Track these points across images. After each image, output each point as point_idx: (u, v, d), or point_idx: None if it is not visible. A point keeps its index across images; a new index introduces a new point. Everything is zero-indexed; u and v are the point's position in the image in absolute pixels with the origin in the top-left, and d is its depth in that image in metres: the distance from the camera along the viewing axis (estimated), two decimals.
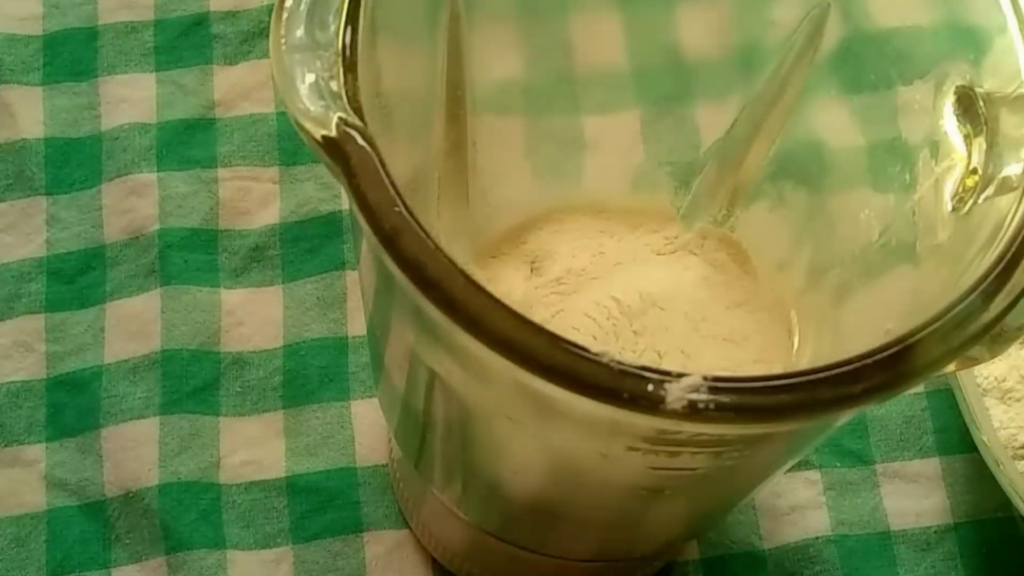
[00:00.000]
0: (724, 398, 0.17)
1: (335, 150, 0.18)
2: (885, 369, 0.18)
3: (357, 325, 0.38)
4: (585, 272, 0.29)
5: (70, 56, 0.41)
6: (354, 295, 0.38)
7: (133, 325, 0.38)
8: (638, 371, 0.17)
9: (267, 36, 0.24)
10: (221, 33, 0.41)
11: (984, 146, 0.21)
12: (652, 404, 0.17)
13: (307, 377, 0.37)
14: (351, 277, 0.39)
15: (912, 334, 0.18)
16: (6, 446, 0.36)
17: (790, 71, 0.26)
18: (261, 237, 0.39)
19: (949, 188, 0.22)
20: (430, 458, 0.27)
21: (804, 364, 0.27)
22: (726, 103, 0.28)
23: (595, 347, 0.17)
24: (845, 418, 0.21)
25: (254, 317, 0.38)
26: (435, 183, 0.27)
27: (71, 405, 0.37)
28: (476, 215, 0.29)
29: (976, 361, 0.20)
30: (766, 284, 0.29)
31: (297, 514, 0.36)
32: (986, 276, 0.19)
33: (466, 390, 0.22)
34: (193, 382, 0.37)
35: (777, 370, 0.27)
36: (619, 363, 0.17)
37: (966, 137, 0.22)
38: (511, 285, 0.29)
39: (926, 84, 0.23)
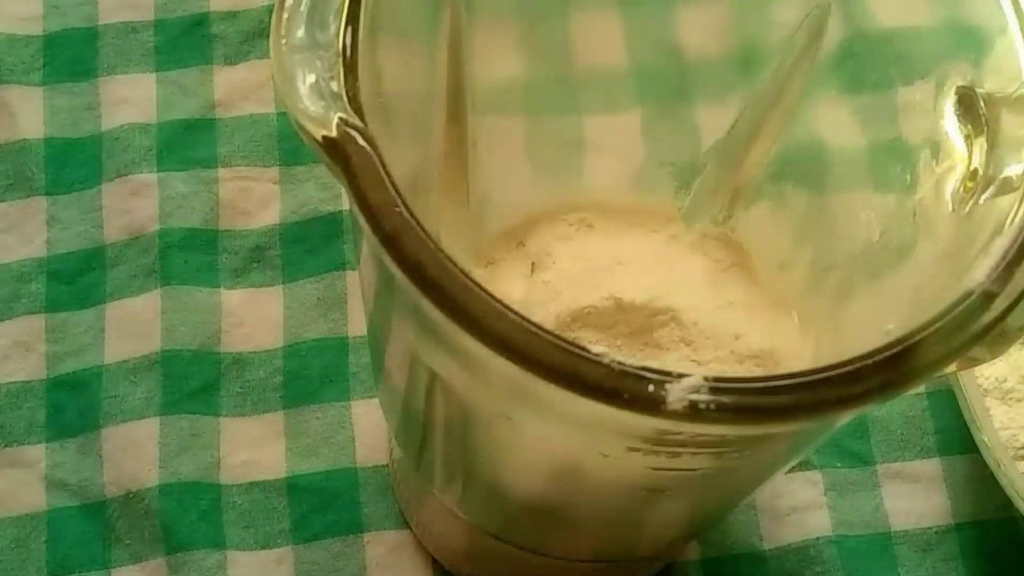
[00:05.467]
0: (725, 398, 0.17)
1: (336, 151, 0.18)
2: (886, 370, 0.18)
3: (357, 325, 0.38)
4: (585, 272, 0.29)
5: (70, 56, 0.41)
6: (355, 295, 0.38)
7: (133, 325, 0.38)
8: (639, 371, 0.17)
9: (267, 36, 0.24)
10: (221, 33, 0.41)
11: (985, 146, 0.21)
12: (653, 405, 0.17)
13: (307, 377, 0.37)
14: (351, 277, 0.39)
15: (913, 335, 0.18)
16: (6, 446, 0.36)
17: (791, 71, 0.26)
18: (261, 237, 0.39)
19: (950, 188, 0.22)
20: (430, 459, 0.27)
21: (805, 364, 0.27)
22: (727, 103, 0.28)
23: (595, 347, 0.17)
24: (846, 419, 0.21)
25: (254, 317, 0.38)
26: (436, 183, 0.27)
27: (71, 405, 0.37)
28: (476, 215, 0.29)
29: (977, 362, 0.20)
30: (767, 284, 0.29)
31: (297, 514, 0.36)
32: (987, 277, 0.19)
33: (466, 391, 0.21)
34: (193, 382, 0.37)
35: (778, 370, 0.27)
36: (619, 363, 0.17)
37: (967, 137, 0.22)
38: (511, 285, 0.29)
39: (927, 84, 0.23)
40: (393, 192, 0.18)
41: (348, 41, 0.19)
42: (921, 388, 0.37)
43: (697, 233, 0.30)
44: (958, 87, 0.22)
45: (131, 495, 0.36)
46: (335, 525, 0.36)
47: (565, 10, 0.28)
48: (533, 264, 0.29)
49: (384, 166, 0.18)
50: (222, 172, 0.40)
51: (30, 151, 0.40)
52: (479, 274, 0.29)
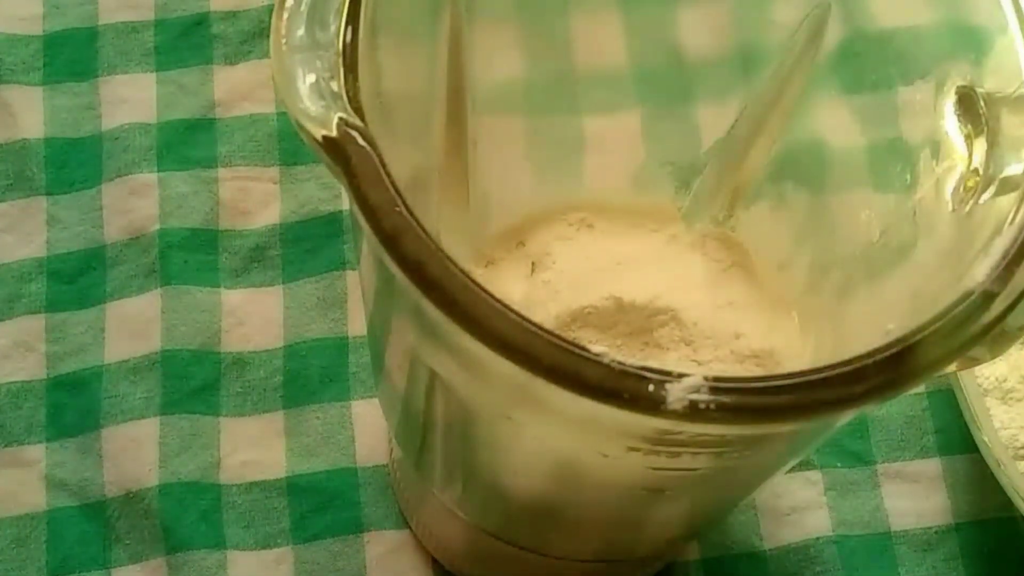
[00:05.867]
0: (725, 398, 0.17)
1: (336, 150, 0.18)
2: (886, 369, 0.18)
3: (357, 325, 0.38)
4: (585, 272, 0.29)
5: (70, 56, 0.41)
6: (355, 295, 0.38)
7: (133, 325, 0.38)
8: (639, 371, 0.17)
9: (267, 36, 0.24)
10: (221, 33, 0.41)
11: (985, 146, 0.21)
12: (653, 404, 0.17)
13: (307, 377, 0.37)
14: (351, 277, 0.39)
15: (913, 334, 0.18)
16: (6, 446, 0.36)
17: (791, 71, 0.26)
18: (261, 237, 0.39)
19: (950, 188, 0.22)
20: (430, 458, 0.27)
21: (805, 364, 0.27)
22: (727, 103, 0.28)
23: (595, 347, 0.17)
24: (846, 418, 0.21)
25: (254, 317, 0.38)
26: (436, 183, 0.27)
27: (71, 405, 0.37)
28: (476, 215, 0.29)
29: (977, 361, 0.20)
30: (767, 284, 0.29)
31: (297, 514, 0.36)
32: (987, 276, 0.19)
33: (466, 390, 0.21)
34: (193, 382, 0.37)
35: (778, 370, 0.27)
36: (620, 363, 0.17)
37: (967, 137, 0.22)
38: (511, 285, 0.29)
39: (927, 84, 0.23)
40: (393, 192, 0.18)
41: (348, 41, 0.19)
42: (921, 388, 0.37)
43: (697, 233, 0.30)
44: (958, 87, 0.22)
45: (131, 495, 0.36)
46: (335, 525, 0.36)
47: (565, 10, 0.28)
48: (533, 264, 0.29)
49: (384, 166, 0.18)
50: (222, 172, 0.40)
51: (30, 151, 0.40)
52: (479, 274, 0.29)
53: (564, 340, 0.17)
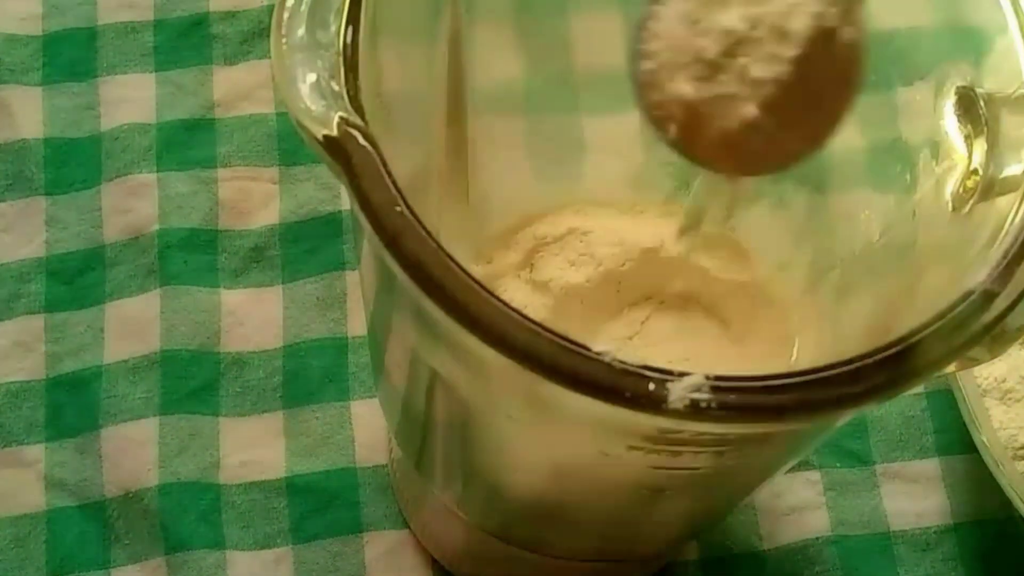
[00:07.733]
0: (726, 397, 0.17)
1: (336, 150, 0.18)
2: (886, 369, 0.18)
3: (357, 325, 0.38)
4: (584, 272, 0.29)
5: (70, 56, 0.41)
6: (354, 295, 0.38)
7: (133, 325, 0.38)
8: (640, 370, 0.17)
9: (267, 36, 0.24)
10: (221, 33, 0.41)
11: (985, 146, 0.21)
12: (654, 403, 0.17)
13: (307, 377, 0.37)
14: (351, 277, 0.39)
15: (913, 334, 0.18)
16: (6, 446, 0.36)
17: None
18: (261, 237, 0.39)
19: (950, 188, 0.22)
20: (430, 458, 0.27)
21: (805, 364, 0.27)
22: None
23: (597, 346, 0.17)
24: (846, 418, 0.21)
25: (254, 317, 0.38)
26: (436, 183, 0.27)
27: (71, 405, 0.37)
28: (477, 214, 0.29)
29: (976, 361, 0.20)
30: (766, 284, 0.29)
31: (297, 514, 0.36)
32: (987, 276, 0.19)
33: (467, 389, 0.22)
34: (193, 382, 0.37)
35: (777, 370, 0.27)
36: (621, 362, 0.17)
37: (967, 137, 0.22)
38: (512, 284, 0.29)
39: (927, 84, 0.23)
40: (394, 191, 0.18)
41: (349, 41, 0.19)
42: (920, 388, 0.37)
43: (696, 233, 0.30)
44: (958, 87, 0.22)
45: (130, 495, 0.36)
46: (334, 525, 0.36)
47: (565, 10, 0.28)
48: (533, 264, 0.29)
49: (385, 165, 0.18)
50: (221, 172, 0.40)
51: (30, 151, 0.40)
52: (480, 273, 0.29)
53: (566, 339, 0.17)
